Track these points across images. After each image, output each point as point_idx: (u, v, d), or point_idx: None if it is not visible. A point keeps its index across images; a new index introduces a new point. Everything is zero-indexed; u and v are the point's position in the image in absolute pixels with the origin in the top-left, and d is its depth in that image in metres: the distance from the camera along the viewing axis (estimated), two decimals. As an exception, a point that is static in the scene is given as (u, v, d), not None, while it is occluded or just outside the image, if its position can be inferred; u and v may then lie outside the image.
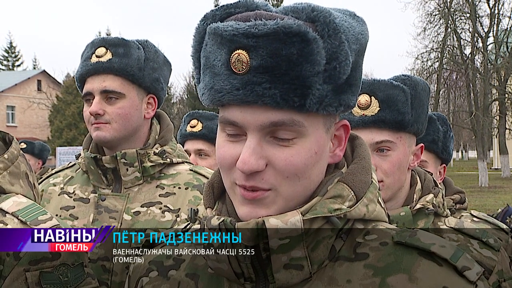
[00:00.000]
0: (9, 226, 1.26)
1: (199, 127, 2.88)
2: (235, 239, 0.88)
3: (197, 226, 0.99)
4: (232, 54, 0.83)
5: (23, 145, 5.26)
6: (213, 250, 0.91)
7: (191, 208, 0.97)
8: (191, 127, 2.89)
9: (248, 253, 0.88)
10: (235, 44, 0.83)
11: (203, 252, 0.94)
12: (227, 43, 0.83)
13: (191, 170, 1.94)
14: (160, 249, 1.06)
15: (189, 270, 1.00)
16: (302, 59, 0.82)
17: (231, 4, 0.89)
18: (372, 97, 1.53)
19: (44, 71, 45.51)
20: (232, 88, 0.84)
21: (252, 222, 0.86)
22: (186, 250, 1.03)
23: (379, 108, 1.52)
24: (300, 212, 0.87)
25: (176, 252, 1.03)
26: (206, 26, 0.87)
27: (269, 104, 0.83)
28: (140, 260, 1.08)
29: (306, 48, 0.82)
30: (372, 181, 0.95)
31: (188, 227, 1.06)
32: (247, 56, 0.82)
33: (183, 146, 2.92)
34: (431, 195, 1.61)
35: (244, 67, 0.83)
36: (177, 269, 1.01)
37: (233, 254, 0.89)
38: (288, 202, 0.89)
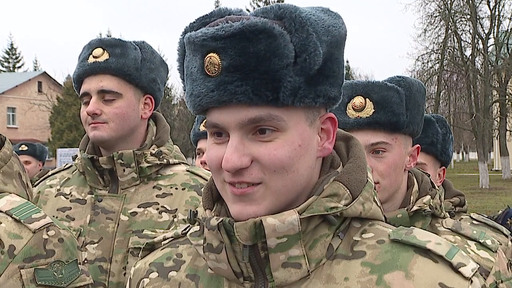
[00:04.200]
0: (3, 225, 1.26)
1: None
2: (234, 239, 0.89)
3: (196, 227, 1.00)
4: (205, 58, 0.87)
5: (24, 147, 5.26)
6: (212, 250, 0.92)
7: (190, 210, 0.99)
8: (204, 126, 2.93)
9: (246, 253, 0.90)
10: (206, 48, 0.86)
11: (202, 253, 0.95)
12: (199, 48, 0.87)
13: (188, 171, 1.94)
14: (160, 251, 1.08)
15: (189, 271, 1.01)
16: (269, 54, 0.84)
17: (206, 14, 0.92)
18: (367, 99, 1.52)
19: (45, 72, 45.62)
20: (207, 91, 0.87)
21: (250, 222, 0.87)
22: (186, 251, 1.04)
23: (374, 110, 1.51)
24: (297, 211, 0.88)
25: (176, 254, 1.05)
26: None
27: (243, 101, 0.86)
28: (140, 263, 1.09)
29: (273, 43, 0.84)
30: (367, 180, 0.96)
31: (187, 229, 1.07)
32: (218, 58, 0.85)
33: (196, 145, 2.99)
34: (428, 197, 1.59)
35: (216, 69, 0.86)
36: (177, 270, 1.02)
37: (232, 253, 0.91)
38: (278, 197, 0.90)
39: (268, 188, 0.89)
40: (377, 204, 0.98)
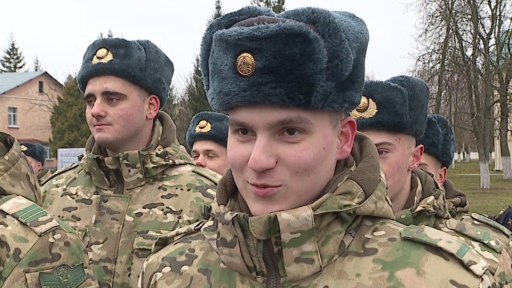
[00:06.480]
0: (9, 228, 1.26)
1: (208, 127, 2.90)
2: (247, 234, 0.91)
3: (210, 222, 1.01)
4: (238, 58, 0.87)
5: (24, 148, 5.28)
6: (226, 244, 0.93)
7: (204, 206, 1.01)
8: (200, 127, 2.92)
9: (260, 247, 0.91)
10: (240, 47, 0.86)
11: (216, 247, 0.96)
12: (232, 47, 0.87)
13: (193, 171, 1.94)
14: (173, 246, 1.10)
15: (201, 266, 1.03)
16: (305, 58, 0.85)
17: (235, 12, 0.92)
18: (370, 99, 1.51)
19: (46, 72, 45.63)
20: (239, 90, 0.87)
21: (265, 217, 0.89)
22: (198, 246, 1.06)
23: (376, 110, 1.50)
24: (311, 207, 0.90)
25: (189, 249, 1.07)
26: (212, 34, 0.91)
27: (275, 103, 0.86)
28: (152, 257, 1.11)
29: (308, 48, 0.85)
30: (380, 179, 0.98)
31: (200, 224, 1.09)
32: (252, 58, 0.86)
33: (192, 147, 2.96)
34: (431, 197, 1.59)
35: (250, 69, 0.86)
36: (189, 264, 1.04)
37: (245, 248, 0.92)
38: (299, 197, 0.91)
39: (289, 189, 0.90)
40: (389, 203, 0.99)
